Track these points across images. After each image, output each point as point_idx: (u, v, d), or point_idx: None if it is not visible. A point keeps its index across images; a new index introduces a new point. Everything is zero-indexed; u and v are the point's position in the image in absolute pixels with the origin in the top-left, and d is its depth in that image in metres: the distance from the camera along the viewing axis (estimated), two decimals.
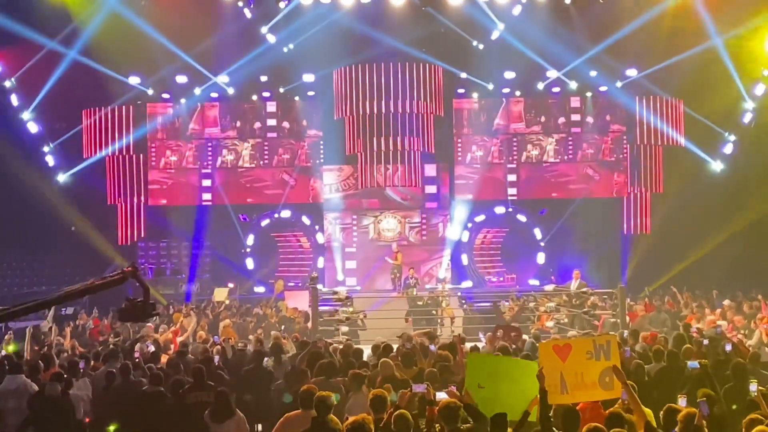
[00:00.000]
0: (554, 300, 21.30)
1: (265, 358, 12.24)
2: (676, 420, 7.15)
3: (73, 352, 14.39)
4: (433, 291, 23.97)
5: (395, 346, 12.23)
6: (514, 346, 13.15)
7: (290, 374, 11.10)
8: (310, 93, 28.67)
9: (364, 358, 12.18)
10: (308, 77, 27.81)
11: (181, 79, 27.42)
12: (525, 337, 16.19)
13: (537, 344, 13.18)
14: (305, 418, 7.91)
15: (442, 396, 7.65)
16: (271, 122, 29.15)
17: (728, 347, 11.55)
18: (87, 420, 10.58)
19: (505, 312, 20.79)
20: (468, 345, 13.38)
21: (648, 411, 7.76)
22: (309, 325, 18.87)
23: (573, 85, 28.26)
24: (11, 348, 11.23)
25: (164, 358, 13.41)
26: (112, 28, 24.15)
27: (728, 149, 27.88)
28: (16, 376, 10.46)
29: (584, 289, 20.38)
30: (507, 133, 29.23)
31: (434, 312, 21.96)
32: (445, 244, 28.58)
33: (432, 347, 12.22)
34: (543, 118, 29.19)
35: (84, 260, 26.78)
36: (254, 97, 28.78)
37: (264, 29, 26.10)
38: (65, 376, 10.75)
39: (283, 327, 19.01)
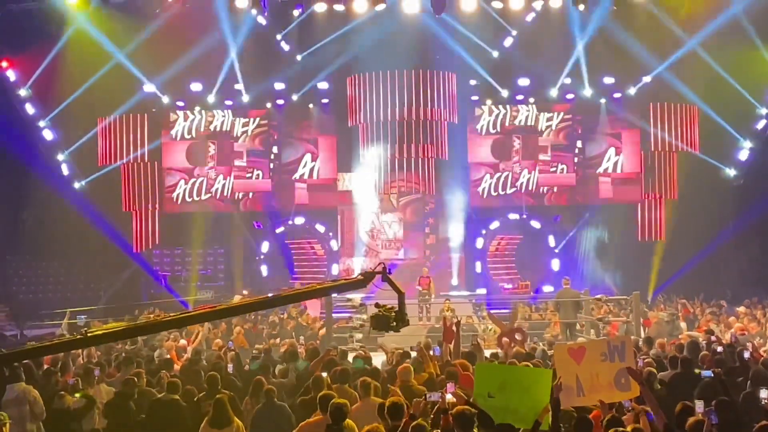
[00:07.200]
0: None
1: (278, 365, 12.23)
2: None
3: (89, 359, 14.42)
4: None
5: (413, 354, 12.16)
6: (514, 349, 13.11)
7: (304, 381, 11.06)
8: (324, 101, 28.77)
9: (378, 366, 12.14)
10: (322, 85, 27.94)
11: (196, 87, 27.63)
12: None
13: (548, 351, 13.19)
14: (322, 425, 7.91)
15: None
16: (285, 129, 29.28)
17: (746, 354, 11.50)
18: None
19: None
20: (487, 352, 13.34)
21: None
22: (319, 332, 18.77)
23: (587, 91, 28.16)
24: None
25: (177, 366, 13.44)
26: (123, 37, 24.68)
27: (743, 156, 27.77)
28: (14, 384, 10.38)
29: (599, 296, 20.28)
30: (520, 138, 29.16)
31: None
32: (456, 250, 28.59)
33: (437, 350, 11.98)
34: (556, 125, 29.10)
35: (95, 266, 27.04)
36: (268, 105, 28.85)
37: (278, 37, 26.43)
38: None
39: (303, 335, 18.93)
